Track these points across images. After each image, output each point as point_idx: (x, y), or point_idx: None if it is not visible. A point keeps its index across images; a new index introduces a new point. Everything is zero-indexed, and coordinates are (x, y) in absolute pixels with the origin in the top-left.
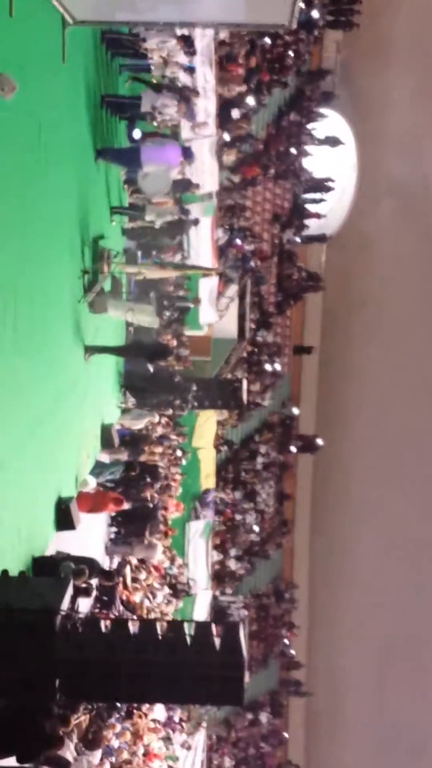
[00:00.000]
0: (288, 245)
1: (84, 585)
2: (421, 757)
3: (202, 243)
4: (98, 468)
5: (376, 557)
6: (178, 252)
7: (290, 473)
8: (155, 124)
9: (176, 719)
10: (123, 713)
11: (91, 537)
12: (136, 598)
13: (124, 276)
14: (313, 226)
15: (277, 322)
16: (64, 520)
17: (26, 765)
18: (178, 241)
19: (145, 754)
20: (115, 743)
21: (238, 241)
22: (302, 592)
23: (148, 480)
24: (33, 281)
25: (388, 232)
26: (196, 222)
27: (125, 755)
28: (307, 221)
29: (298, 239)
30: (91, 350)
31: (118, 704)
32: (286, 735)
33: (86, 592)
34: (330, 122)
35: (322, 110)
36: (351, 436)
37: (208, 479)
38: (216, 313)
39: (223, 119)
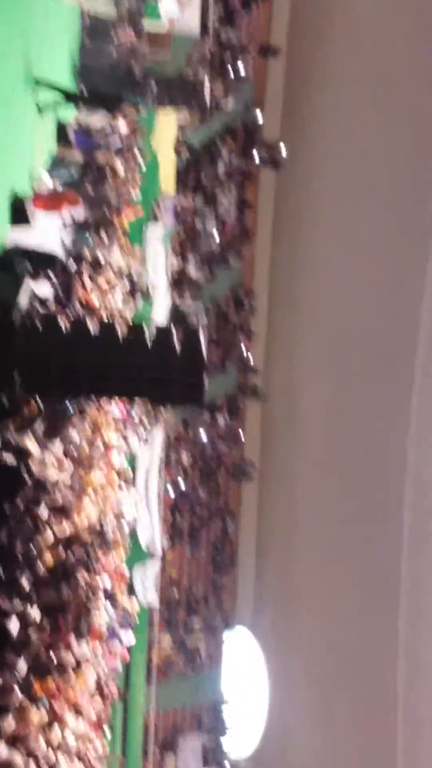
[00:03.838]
0: None
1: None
2: (369, 467)
3: None
4: (54, 166)
5: (337, 267)
6: None
7: (252, 181)
8: None
9: (135, 417)
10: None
11: (48, 235)
12: (95, 300)
13: None
14: None
15: (242, 19)
16: (19, 215)
17: None
18: None
19: (104, 447)
20: (75, 436)
21: None
22: (261, 301)
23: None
24: None
25: None
26: None
27: (84, 448)
28: None
29: None
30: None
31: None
32: (242, 435)
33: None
34: None
35: None
36: (316, 147)
37: (167, 182)
38: (178, 7)
39: None
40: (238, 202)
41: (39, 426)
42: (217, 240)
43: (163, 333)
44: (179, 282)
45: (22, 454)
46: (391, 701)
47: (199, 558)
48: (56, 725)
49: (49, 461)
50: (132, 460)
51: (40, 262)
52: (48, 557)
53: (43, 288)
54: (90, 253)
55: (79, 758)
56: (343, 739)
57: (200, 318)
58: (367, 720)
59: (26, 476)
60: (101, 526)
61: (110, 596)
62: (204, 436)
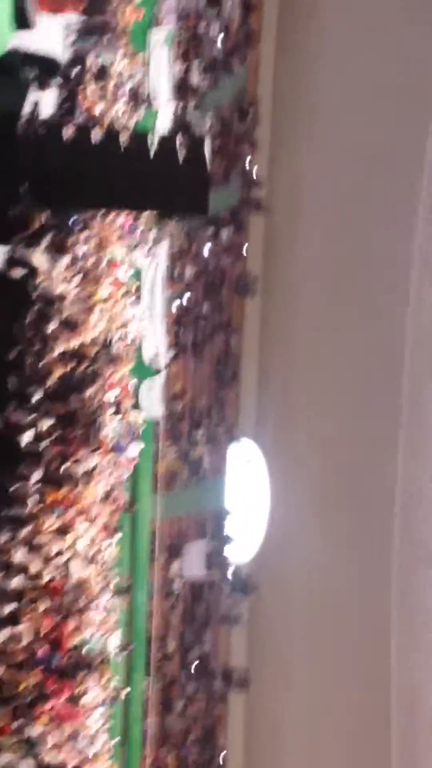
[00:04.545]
0: None
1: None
2: (371, 279)
3: None
4: None
5: (346, 73)
6: None
7: None
8: None
9: (139, 231)
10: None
11: (50, 39)
12: (97, 108)
13: None
14: None
15: None
16: (21, 17)
17: None
18: None
19: (109, 262)
20: (80, 251)
21: None
22: (265, 108)
23: None
24: None
25: None
26: None
27: (90, 263)
28: None
29: None
30: None
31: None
32: (245, 250)
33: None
34: None
35: None
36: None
37: None
38: None
39: None
40: (243, 2)
41: (46, 241)
42: (221, 45)
43: (166, 142)
44: (182, 89)
45: (30, 269)
46: (388, 517)
47: (203, 372)
48: (69, 531)
49: (56, 276)
50: (137, 275)
51: (43, 68)
52: (57, 371)
53: (47, 96)
54: (93, 58)
55: (91, 562)
56: (339, 548)
57: (204, 127)
58: (364, 531)
59: (34, 292)
60: (108, 340)
61: (117, 409)
62: (207, 251)
